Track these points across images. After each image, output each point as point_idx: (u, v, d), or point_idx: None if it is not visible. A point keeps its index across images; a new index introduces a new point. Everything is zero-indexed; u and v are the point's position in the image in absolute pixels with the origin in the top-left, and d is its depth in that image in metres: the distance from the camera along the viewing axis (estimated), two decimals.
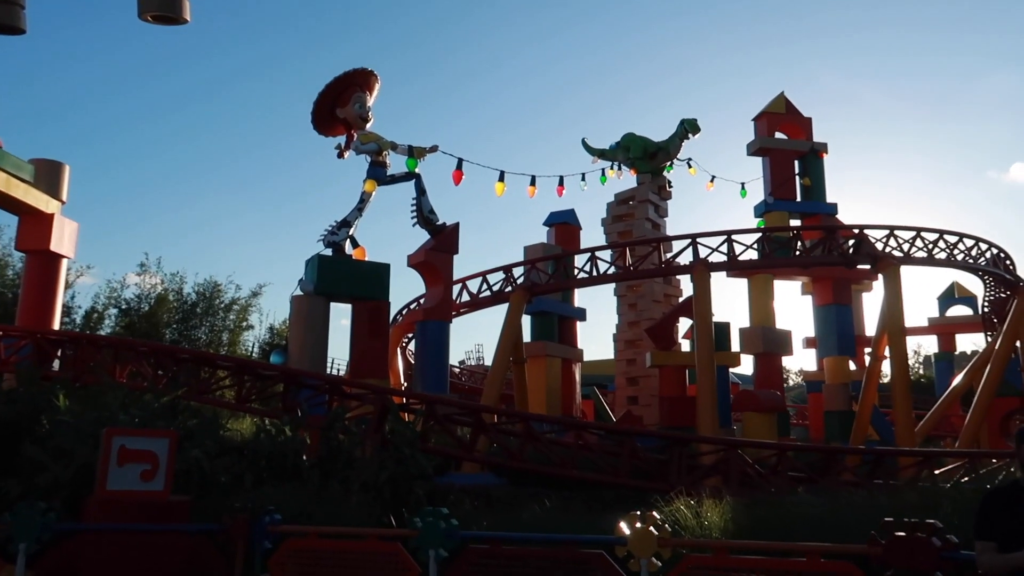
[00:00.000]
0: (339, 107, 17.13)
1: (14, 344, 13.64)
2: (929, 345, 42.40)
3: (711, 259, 16.79)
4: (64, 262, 16.85)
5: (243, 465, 9.63)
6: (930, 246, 17.17)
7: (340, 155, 17.53)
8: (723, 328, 21.59)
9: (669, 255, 17.87)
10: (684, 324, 23.53)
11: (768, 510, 7.30)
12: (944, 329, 34.10)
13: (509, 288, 18.58)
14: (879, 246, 16.78)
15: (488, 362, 44.57)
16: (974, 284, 31.00)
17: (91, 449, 7.40)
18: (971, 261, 17.86)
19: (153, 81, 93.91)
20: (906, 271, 17.06)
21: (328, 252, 16.42)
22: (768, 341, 21.68)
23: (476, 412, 11.74)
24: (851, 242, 16.71)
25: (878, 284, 25.14)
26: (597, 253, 18.12)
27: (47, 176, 16.14)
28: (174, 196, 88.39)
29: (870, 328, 25.35)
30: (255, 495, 9.11)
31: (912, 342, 39.27)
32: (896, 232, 16.82)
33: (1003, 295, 22.20)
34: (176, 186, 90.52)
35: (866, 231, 16.76)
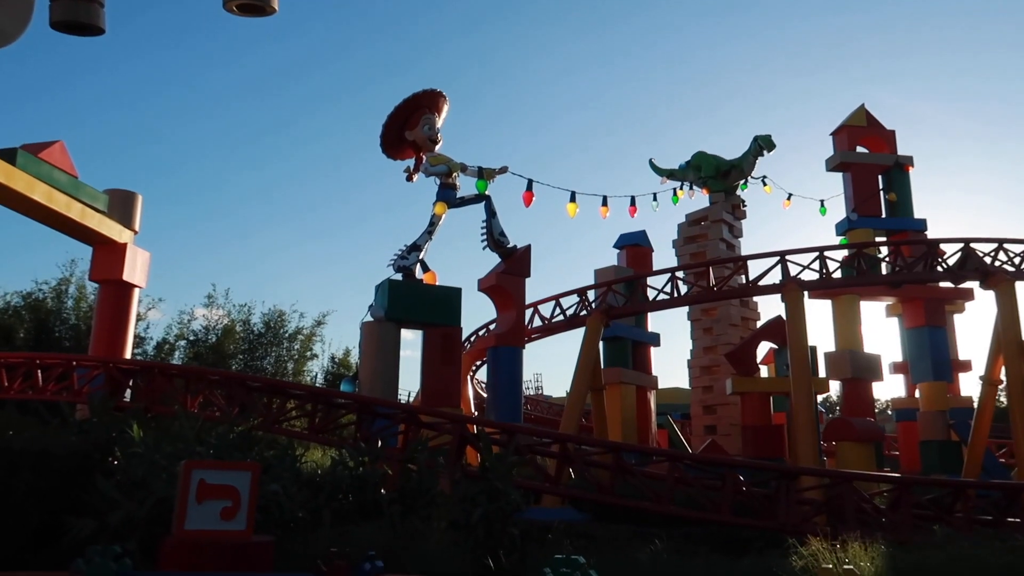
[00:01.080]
0: (408, 129, 16.78)
1: (87, 374, 13.46)
2: None
3: (802, 277, 15.70)
4: (136, 292, 16.77)
5: (321, 500, 9.04)
6: None
7: (409, 178, 17.16)
8: (809, 352, 20.36)
9: (745, 276, 16.89)
10: (762, 348, 22.39)
11: (923, 555, 6.30)
12: None
13: (584, 312, 17.80)
14: (987, 260, 15.49)
15: (548, 392, 43.85)
16: None
17: (167, 484, 6.88)
18: None
19: (217, 112, 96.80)
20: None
21: (398, 277, 15.97)
22: (857, 366, 20.30)
23: (562, 442, 10.93)
24: (956, 256, 15.46)
25: (972, 305, 23.71)
26: (676, 274, 17.19)
27: (120, 206, 16.15)
28: (241, 225, 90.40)
29: (964, 352, 23.79)
30: (336, 534, 8.50)
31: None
32: (1005, 245, 15.53)
33: None
34: (243, 215, 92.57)
35: (972, 244, 15.51)
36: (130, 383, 13.55)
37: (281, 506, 7.79)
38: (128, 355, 16.09)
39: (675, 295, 16.81)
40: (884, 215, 22.82)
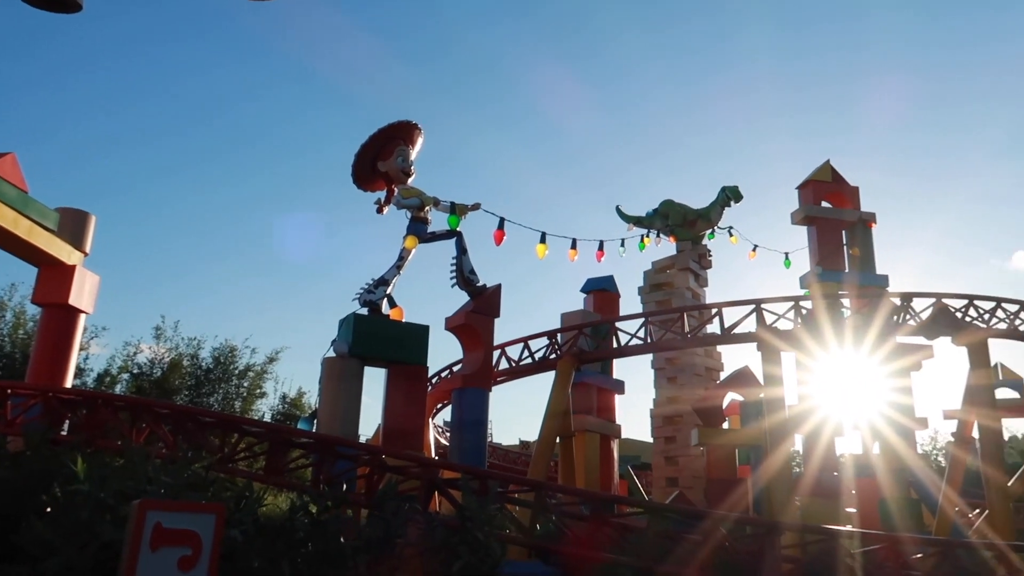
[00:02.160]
0: (381, 160, 16.33)
1: (22, 404, 12.38)
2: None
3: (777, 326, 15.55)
4: (82, 318, 15.72)
5: (279, 549, 8.25)
6: (1011, 318, 15.99)
7: (379, 210, 16.64)
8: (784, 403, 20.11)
9: (720, 324, 16.67)
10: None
11: None
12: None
13: (554, 355, 17.32)
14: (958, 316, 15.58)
15: (498, 440, 42.88)
16: (1020, 366, 29.70)
17: (114, 527, 6.10)
18: None
19: (170, 135, 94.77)
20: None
21: (364, 311, 15.31)
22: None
23: (539, 490, 10.33)
24: (928, 311, 15.51)
25: (929, 363, 23.95)
26: (648, 320, 16.88)
27: (72, 226, 15.18)
28: (194, 254, 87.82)
29: (918, 409, 23.90)
30: None
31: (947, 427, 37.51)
32: (975, 302, 15.67)
33: None
34: (196, 243, 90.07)
35: (944, 300, 15.61)
36: (68, 415, 12.52)
37: (239, 554, 7.03)
38: (68, 385, 14.97)
39: (648, 341, 16.48)
40: (847, 269, 23.08)
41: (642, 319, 16.90)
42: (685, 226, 24.64)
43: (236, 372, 29.49)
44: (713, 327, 16.58)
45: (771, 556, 9.84)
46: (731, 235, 25.21)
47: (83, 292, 15.27)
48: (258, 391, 30.42)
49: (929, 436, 39.78)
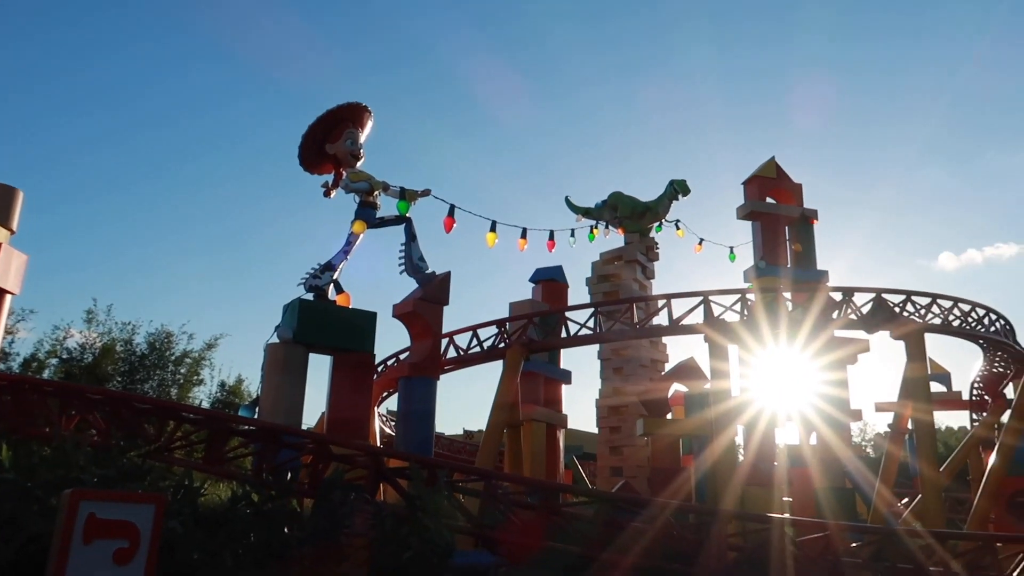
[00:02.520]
0: (329, 143, 15.90)
1: None
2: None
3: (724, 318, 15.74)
4: (8, 299, 14.89)
5: (221, 540, 7.94)
6: (945, 313, 16.53)
7: (327, 194, 16.22)
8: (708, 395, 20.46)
9: (668, 315, 16.81)
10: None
11: None
12: None
13: (503, 344, 17.20)
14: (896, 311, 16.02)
15: (440, 430, 42.59)
16: (945, 361, 30.88)
17: (41, 518, 5.73)
18: (986, 332, 17.26)
19: (109, 109, 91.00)
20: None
21: (309, 297, 14.91)
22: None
23: (489, 479, 10.21)
24: (868, 306, 15.91)
25: (864, 357, 24.68)
26: (598, 310, 16.89)
27: None
28: (129, 235, 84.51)
29: (852, 401, 24.63)
30: None
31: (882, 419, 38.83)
32: (913, 297, 16.15)
33: (998, 371, 21.70)
34: (131, 224, 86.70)
35: (883, 295, 16.03)
36: None
37: (176, 548, 6.72)
38: None
39: (598, 331, 16.49)
40: (789, 265, 23.58)
41: (591, 309, 16.88)
42: (633, 218, 24.79)
43: (172, 359, 28.54)
44: (661, 318, 16.68)
45: (716, 543, 9.93)
46: (678, 228, 25.49)
47: (9, 272, 14.45)
48: (196, 378, 29.51)
49: (859, 428, 41.21)
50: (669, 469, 19.31)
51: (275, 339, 14.34)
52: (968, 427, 27.36)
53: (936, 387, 34.88)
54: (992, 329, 17.79)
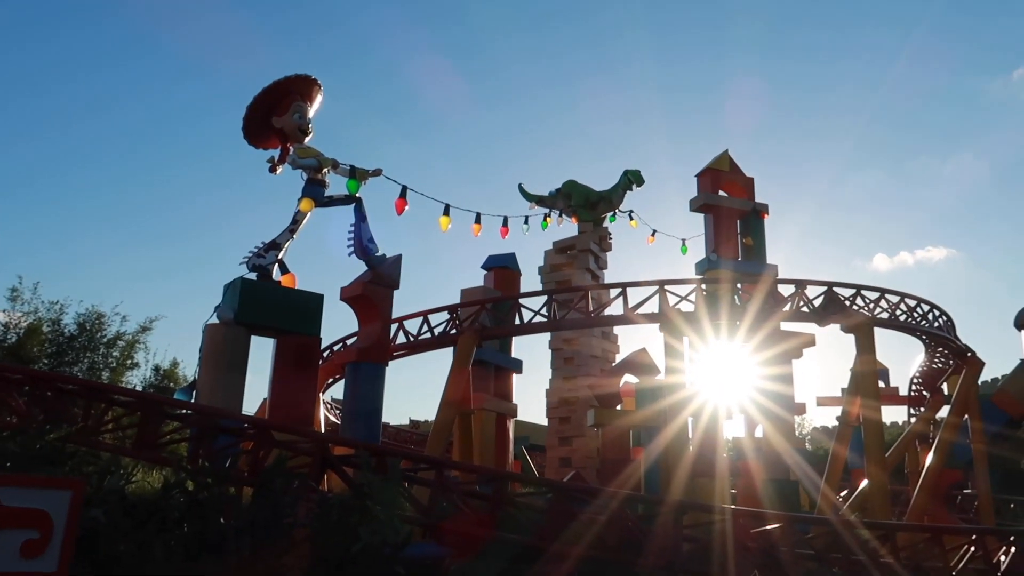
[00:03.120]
0: (276, 116, 15.14)
1: None
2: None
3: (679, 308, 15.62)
4: None
5: (150, 530, 7.36)
6: (893, 308, 16.74)
7: (272, 169, 15.47)
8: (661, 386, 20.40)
9: (624, 303, 16.60)
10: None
11: None
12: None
13: (455, 330, 16.75)
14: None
15: (386, 419, 41.97)
16: (882, 357, 31.65)
17: None
18: (930, 327, 17.56)
19: (37, 96, 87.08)
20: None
21: (252, 276, 14.21)
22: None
23: (440, 468, 9.79)
24: (820, 299, 15.98)
25: (814, 350, 24.98)
26: (553, 297, 16.58)
27: None
28: (59, 212, 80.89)
29: (801, 394, 24.97)
30: (169, 572, 6.89)
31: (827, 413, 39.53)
32: (862, 291, 16.29)
33: (938, 366, 22.19)
34: (61, 202, 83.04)
35: (834, 289, 16.13)
36: None
37: (102, 536, 6.14)
38: None
39: (553, 318, 16.18)
40: (740, 258, 23.67)
41: (545, 297, 16.56)
42: (587, 207, 24.57)
43: (104, 341, 27.22)
44: (616, 308, 16.46)
45: (668, 533, 9.72)
46: (631, 219, 25.37)
47: None
48: (129, 362, 28.23)
49: (799, 421, 41.93)
50: (619, 460, 19.17)
51: (215, 320, 13.62)
52: (906, 422, 27.99)
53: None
54: (936, 324, 18.12)
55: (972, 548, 10.82)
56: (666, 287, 15.85)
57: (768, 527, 10.45)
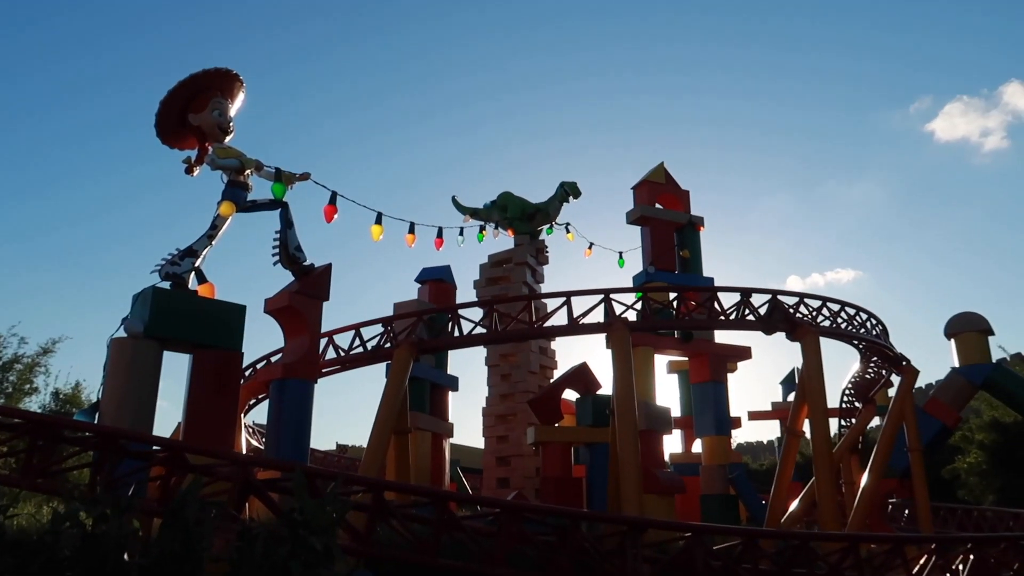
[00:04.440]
0: (193, 113, 13.96)
1: None
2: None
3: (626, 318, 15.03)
4: None
5: (34, 570, 6.22)
6: (834, 316, 16.67)
7: (189, 171, 14.24)
8: (603, 401, 19.83)
9: (568, 314, 15.96)
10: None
11: None
12: (786, 414, 34.72)
13: (389, 344, 15.76)
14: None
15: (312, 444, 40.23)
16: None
17: None
18: (868, 335, 17.57)
19: None
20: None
21: (165, 285, 12.93)
22: (651, 418, 20.11)
23: (379, 490, 8.84)
24: (764, 307, 15.72)
25: (744, 364, 24.95)
26: (494, 308, 15.80)
27: None
28: None
29: (734, 409, 24.90)
30: None
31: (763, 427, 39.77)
32: (805, 300, 16.15)
33: (871, 376, 22.38)
34: None
35: (779, 297, 15.91)
36: None
37: None
38: None
39: (494, 329, 15.38)
40: (678, 271, 23.48)
41: (484, 309, 15.78)
42: (523, 219, 23.98)
43: (1, 364, 24.99)
44: (560, 319, 15.80)
45: (633, 556, 9.01)
46: (568, 231, 24.93)
47: None
48: (28, 387, 25.96)
49: (735, 434, 42.21)
50: (560, 479, 18.45)
51: (122, 333, 12.29)
52: (837, 435, 28.25)
53: None
54: (874, 333, 18.17)
55: (933, 557, 10.52)
56: (611, 296, 15.30)
57: (729, 544, 9.88)
